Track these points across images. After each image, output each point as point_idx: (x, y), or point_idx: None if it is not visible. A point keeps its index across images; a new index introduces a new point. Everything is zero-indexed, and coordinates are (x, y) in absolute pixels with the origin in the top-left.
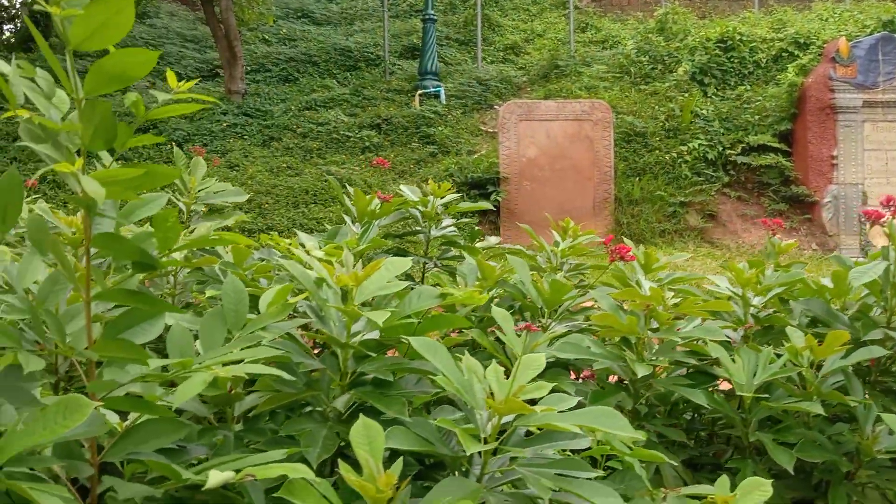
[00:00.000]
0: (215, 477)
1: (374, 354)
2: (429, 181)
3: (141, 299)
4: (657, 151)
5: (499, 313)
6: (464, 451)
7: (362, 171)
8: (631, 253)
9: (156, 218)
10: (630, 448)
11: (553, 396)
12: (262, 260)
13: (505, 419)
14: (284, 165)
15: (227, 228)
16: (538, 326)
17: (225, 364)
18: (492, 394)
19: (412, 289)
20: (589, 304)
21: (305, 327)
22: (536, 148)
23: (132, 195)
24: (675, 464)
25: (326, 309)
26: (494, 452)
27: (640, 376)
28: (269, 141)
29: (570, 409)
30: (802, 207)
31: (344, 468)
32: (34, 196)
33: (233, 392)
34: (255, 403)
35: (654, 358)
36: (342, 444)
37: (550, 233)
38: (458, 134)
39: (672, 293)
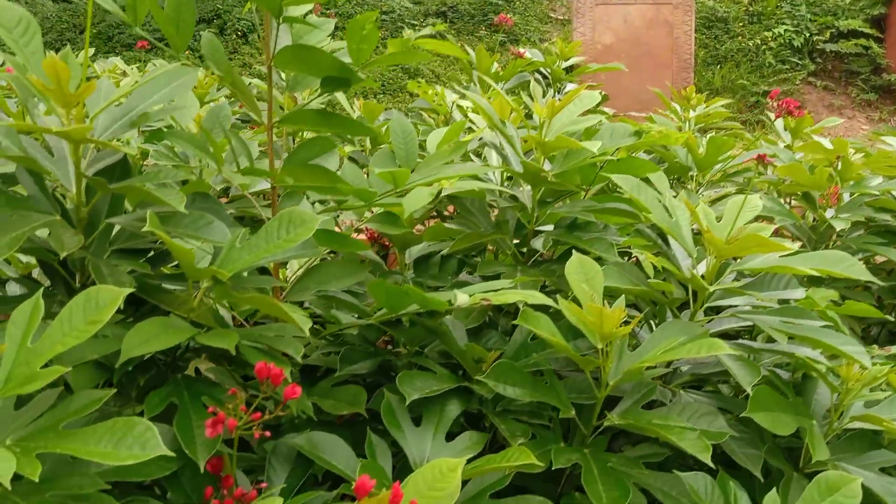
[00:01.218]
0: (462, 297)
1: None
2: (556, 41)
3: (329, 121)
4: (739, 38)
5: (656, 178)
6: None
7: (429, 62)
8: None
9: (351, 25)
10: (838, 303)
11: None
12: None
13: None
14: None
15: None
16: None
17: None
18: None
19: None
20: (745, 164)
21: None
22: (612, 34)
23: None
24: (892, 318)
25: (511, 143)
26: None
27: (838, 230)
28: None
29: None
30: (893, 97)
31: (564, 303)
32: None
33: (414, 230)
34: (424, 251)
35: (841, 215)
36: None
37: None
38: (528, 21)
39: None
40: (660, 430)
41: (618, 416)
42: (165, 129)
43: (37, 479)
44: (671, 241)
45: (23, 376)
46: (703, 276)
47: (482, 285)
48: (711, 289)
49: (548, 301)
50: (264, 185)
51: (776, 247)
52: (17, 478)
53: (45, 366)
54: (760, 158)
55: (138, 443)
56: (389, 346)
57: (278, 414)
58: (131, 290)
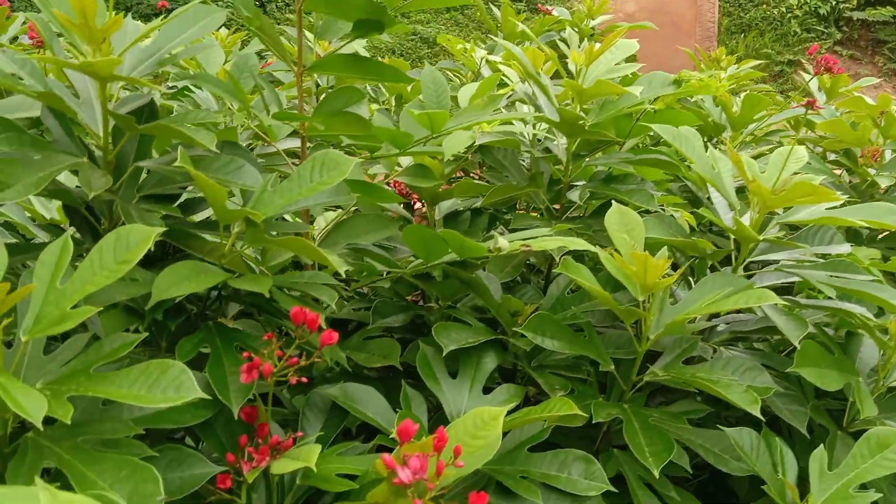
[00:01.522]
0: (502, 241)
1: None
2: (583, 0)
3: (362, 67)
4: (764, 6)
5: (686, 132)
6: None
7: (447, 27)
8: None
9: None
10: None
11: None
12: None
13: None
14: None
15: None
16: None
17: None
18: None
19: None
20: (776, 127)
21: None
22: (635, 2)
23: None
24: None
25: (546, 93)
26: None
27: (884, 187)
28: None
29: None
30: None
31: (604, 254)
32: None
33: (442, 189)
34: (454, 208)
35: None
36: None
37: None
38: None
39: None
40: (705, 382)
41: (660, 369)
42: (193, 74)
43: (68, 421)
44: (713, 193)
45: (52, 317)
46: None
47: (520, 233)
48: (761, 237)
49: (589, 247)
50: (292, 143)
51: (827, 195)
52: (48, 422)
53: (75, 307)
54: (810, 104)
55: (172, 386)
56: (421, 303)
57: (314, 360)
58: (162, 229)
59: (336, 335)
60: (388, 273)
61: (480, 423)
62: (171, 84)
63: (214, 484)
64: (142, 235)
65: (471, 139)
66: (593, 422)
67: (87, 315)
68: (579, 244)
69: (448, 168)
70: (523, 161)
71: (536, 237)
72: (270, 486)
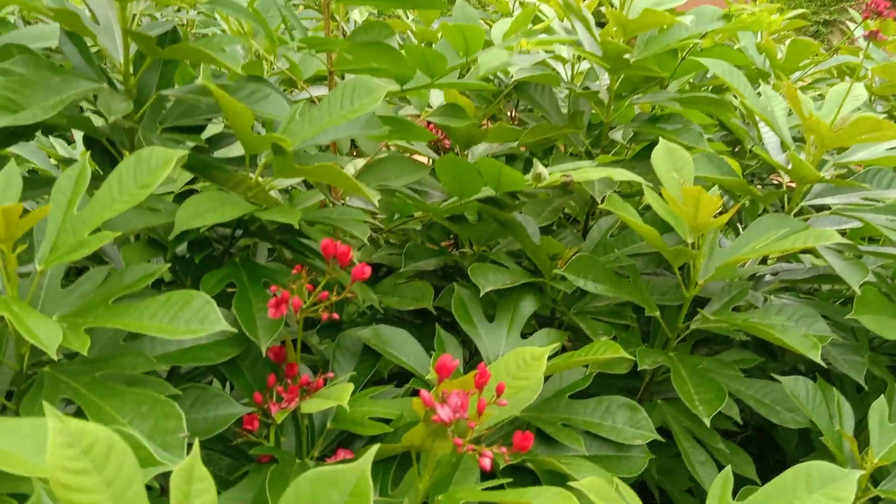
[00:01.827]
0: (543, 170)
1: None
2: None
3: None
4: None
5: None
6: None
7: None
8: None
9: None
10: None
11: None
12: None
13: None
14: None
15: None
16: None
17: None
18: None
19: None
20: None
21: None
22: None
23: None
24: None
25: (587, 26)
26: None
27: None
28: None
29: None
30: None
31: (650, 193)
32: None
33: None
34: (487, 152)
35: None
36: None
37: None
38: None
39: None
40: (760, 327)
41: (710, 314)
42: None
43: (85, 353)
44: (765, 133)
45: (69, 245)
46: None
47: (560, 165)
48: (823, 174)
49: (636, 177)
50: (320, 91)
51: (893, 131)
52: (66, 357)
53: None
54: (873, 35)
55: (196, 318)
56: (454, 251)
57: (345, 297)
58: (185, 152)
59: (368, 269)
60: (420, 215)
61: (522, 363)
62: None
63: (241, 426)
64: (164, 158)
65: (509, 55)
66: (639, 368)
67: (105, 241)
68: (625, 175)
69: (480, 112)
70: (562, 102)
71: (578, 168)
72: (300, 430)
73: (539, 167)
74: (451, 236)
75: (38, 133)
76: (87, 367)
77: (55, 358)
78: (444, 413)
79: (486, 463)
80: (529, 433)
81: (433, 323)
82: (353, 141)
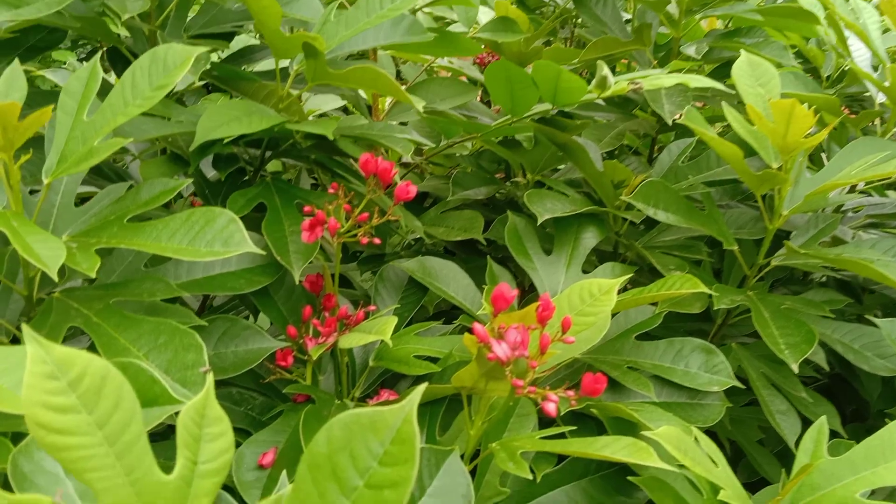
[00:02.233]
0: (608, 73)
1: None
2: None
3: None
4: None
5: None
6: None
7: None
8: None
9: None
10: None
11: None
12: None
13: None
14: None
15: None
16: None
17: None
18: None
19: None
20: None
21: None
22: None
23: None
24: None
25: None
26: None
27: None
28: None
29: None
30: None
31: (730, 110)
32: None
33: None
34: None
35: None
36: None
37: None
38: None
39: None
40: (857, 262)
41: (799, 248)
42: None
43: (93, 275)
44: (855, 49)
45: (78, 154)
46: None
47: (626, 75)
48: None
49: (714, 83)
50: None
51: None
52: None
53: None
54: None
55: (220, 238)
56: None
57: (388, 219)
58: (207, 48)
59: (414, 188)
60: (468, 139)
61: (588, 297)
62: None
63: (274, 361)
64: (181, 56)
65: None
66: (715, 307)
67: (116, 147)
68: (701, 80)
69: (533, 32)
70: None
71: (647, 76)
72: (339, 368)
73: (604, 69)
74: (502, 166)
75: (69, 57)
76: (101, 293)
77: (55, 279)
78: (501, 350)
79: (552, 408)
80: (602, 375)
81: (482, 260)
82: (398, 73)
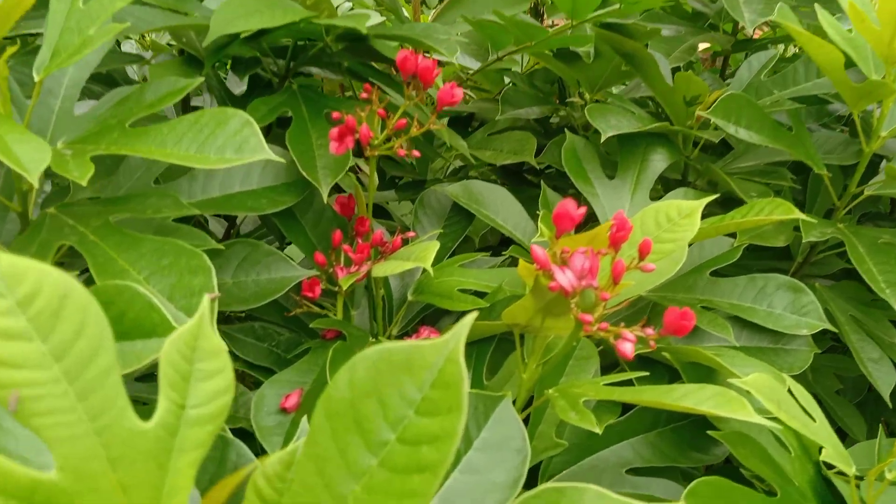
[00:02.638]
0: None
1: None
2: None
3: None
4: None
5: None
6: None
7: None
8: None
9: None
10: None
11: None
12: None
13: None
14: None
15: None
16: None
17: None
18: None
19: None
20: None
21: None
22: None
23: None
24: None
25: None
26: None
27: None
28: None
29: None
30: None
31: (825, 16)
32: None
33: None
34: None
35: None
36: None
37: None
38: None
39: None
40: None
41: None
42: None
43: (84, 183)
44: None
45: (73, 46)
46: None
47: None
48: None
49: None
50: None
51: None
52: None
53: None
54: None
55: (232, 143)
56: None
57: (430, 127)
58: None
59: (460, 91)
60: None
61: (665, 221)
62: None
63: (300, 292)
64: None
65: None
66: (804, 240)
67: (112, 34)
68: None
69: None
70: None
71: None
72: (374, 301)
73: None
74: (555, 86)
75: None
76: (100, 209)
77: (35, 184)
78: (565, 278)
79: (628, 349)
80: (690, 311)
81: (533, 190)
82: None
